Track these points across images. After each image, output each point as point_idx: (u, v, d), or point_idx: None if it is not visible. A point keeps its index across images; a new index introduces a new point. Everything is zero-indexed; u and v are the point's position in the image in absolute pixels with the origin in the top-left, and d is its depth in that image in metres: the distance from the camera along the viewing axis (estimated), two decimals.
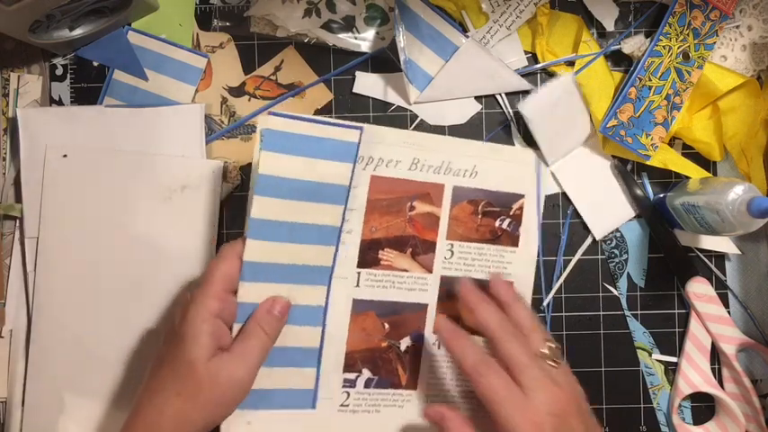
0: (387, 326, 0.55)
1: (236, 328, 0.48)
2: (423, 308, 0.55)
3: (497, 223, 0.56)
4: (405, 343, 0.55)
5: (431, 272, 0.55)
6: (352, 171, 0.50)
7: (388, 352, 0.55)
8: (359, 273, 0.54)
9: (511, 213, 0.56)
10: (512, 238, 0.56)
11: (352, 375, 0.54)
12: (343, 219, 0.51)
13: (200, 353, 0.44)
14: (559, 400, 0.43)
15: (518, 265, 0.56)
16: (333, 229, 0.51)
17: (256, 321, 0.47)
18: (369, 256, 0.54)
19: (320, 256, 0.51)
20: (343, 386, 0.54)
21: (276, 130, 0.47)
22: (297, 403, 0.52)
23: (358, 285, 0.54)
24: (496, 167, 0.56)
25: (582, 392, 0.46)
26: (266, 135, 0.47)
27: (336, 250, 0.51)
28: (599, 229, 0.57)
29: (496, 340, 0.45)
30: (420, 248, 0.55)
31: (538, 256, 0.57)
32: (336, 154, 0.49)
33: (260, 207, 0.47)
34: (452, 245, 0.56)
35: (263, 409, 0.51)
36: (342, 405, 0.54)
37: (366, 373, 0.55)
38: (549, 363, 0.45)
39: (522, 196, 0.56)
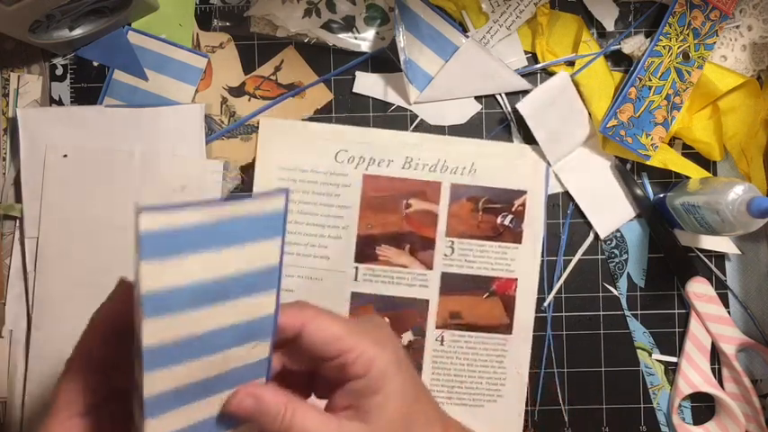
0: (386, 320, 0.55)
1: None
2: (424, 303, 0.56)
3: (499, 220, 0.56)
4: (406, 338, 0.56)
5: (431, 268, 0.56)
6: (282, 245, 0.34)
7: None
8: (357, 267, 0.56)
9: (513, 210, 0.56)
10: (514, 235, 0.56)
11: None
12: (278, 303, 0.35)
13: None
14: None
15: (521, 262, 0.56)
16: (264, 318, 0.35)
17: None
18: (366, 252, 0.56)
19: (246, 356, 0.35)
20: None
21: (158, 231, 0.30)
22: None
23: (356, 279, 0.56)
24: (496, 164, 0.56)
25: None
26: (145, 241, 0.30)
27: (275, 321, 0.35)
28: (602, 228, 0.57)
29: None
30: (418, 245, 0.56)
31: (542, 255, 0.57)
32: (259, 232, 0.33)
33: (153, 331, 0.31)
34: (453, 242, 0.56)
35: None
36: None
37: None
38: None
39: (523, 193, 0.56)
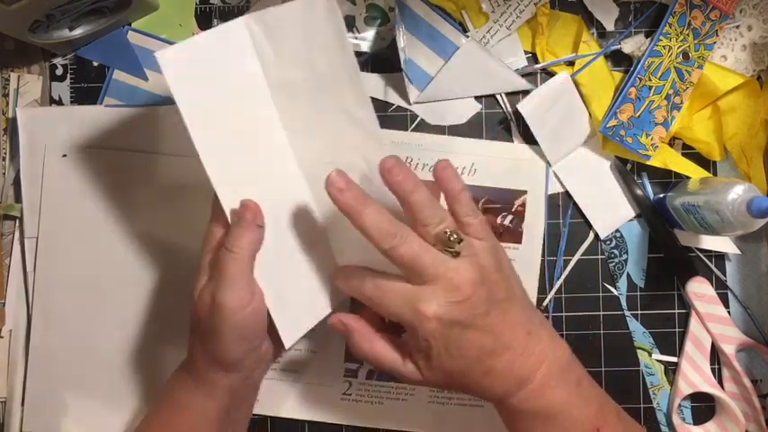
0: (386, 319, 0.56)
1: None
2: None
3: (499, 220, 0.56)
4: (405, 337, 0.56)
5: None
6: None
7: None
8: None
9: (513, 210, 0.56)
10: (514, 235, 0.56)
11: (353, 366, 0.56)
12: None
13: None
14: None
15: (522, 262, 0.56)
16: None
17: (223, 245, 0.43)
18: None
19: None
20: (345, 375, 0.56)
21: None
22: None
23: None
24: (496, 164, 0.56)
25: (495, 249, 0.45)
26: None
27: None
28: (602, 228, 0.57)
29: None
30: None
31: (542, 255, 0.57)
32: None
33: None
34: None
35: None
36: (344, 394, 0.56)
37: (368, 365, 0.56)
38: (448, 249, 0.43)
39: (524, 192, 0.56)
